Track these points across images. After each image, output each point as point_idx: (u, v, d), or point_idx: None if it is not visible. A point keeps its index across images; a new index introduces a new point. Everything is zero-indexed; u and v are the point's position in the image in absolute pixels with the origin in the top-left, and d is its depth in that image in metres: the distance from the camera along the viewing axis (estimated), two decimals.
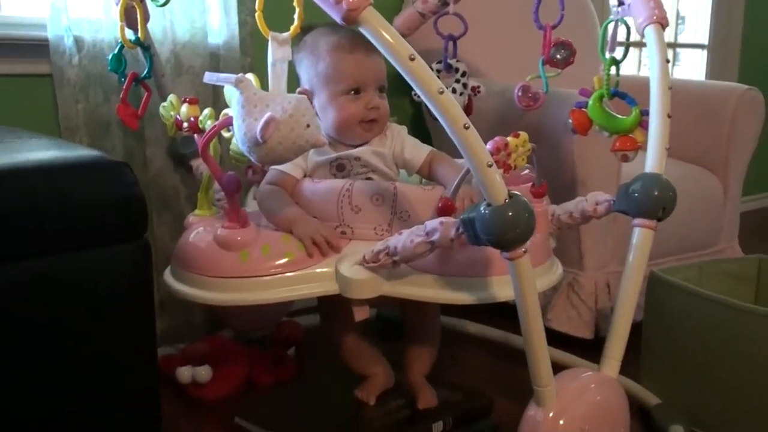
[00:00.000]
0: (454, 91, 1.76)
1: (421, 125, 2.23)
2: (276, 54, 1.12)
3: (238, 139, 1.13)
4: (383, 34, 1.04)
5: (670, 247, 2.06)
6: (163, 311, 1.82)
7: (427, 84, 1.04)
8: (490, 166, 1.06)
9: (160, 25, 1.72)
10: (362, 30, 1.05)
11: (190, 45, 1.80)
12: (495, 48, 2.24)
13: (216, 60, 1.86)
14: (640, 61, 3.37)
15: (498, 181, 1.07)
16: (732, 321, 1.47)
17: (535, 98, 1.69)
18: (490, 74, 2.19)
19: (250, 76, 1.15)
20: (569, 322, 1.93)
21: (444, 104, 1.04)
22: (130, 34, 1.53)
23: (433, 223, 1.17)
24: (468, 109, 1.79)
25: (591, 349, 1.81)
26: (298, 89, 1.40)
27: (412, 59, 1.03)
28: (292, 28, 1.12)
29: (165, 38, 1.75)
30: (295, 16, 1.11)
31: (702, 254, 2.17)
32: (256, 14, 1.11)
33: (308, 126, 1.11)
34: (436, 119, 1.11)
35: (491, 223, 1.07)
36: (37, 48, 1.66)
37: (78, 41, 1.67)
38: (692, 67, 3.63)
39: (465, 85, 1.78)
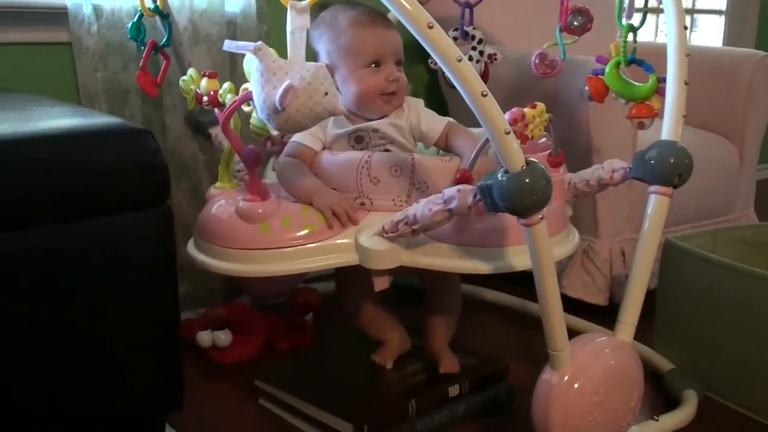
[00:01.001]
0: (470, 58, 1.76)
1: (437, 93, 2.23)
2: (295, 22, 1.13)
3: (257, 106, 1.14)
4: (402, 2, 1.04)
5: (685, 214, 2.07)
6: (182, 277, 1.84)
7: (445, 52, 1.04)
8: (508, 133, 1.07)
9: None
10: None
11: (207, 13, 1.80)
12: (511, 15, 2.23)
13: (233, 28, 1.87)
14: (657, 27, 3.34)
15: (515, 148, 1.08)
16: (745, 287, 1.48)
17: (552, 65, 1.69)
18: (507, 41, 2.18)
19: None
20: (584, 289, 1.94)
21: (462, 72, 1.05)
22: (149, 2, 1.54)
23: (450, 191, 1.18)
24: (484, 77, 1.79)
25: (605, 315, 1.83)
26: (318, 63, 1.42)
27: (431, 27, 1.04)
28: None
29: (183, 6, 1.75)
30: None
31: (717, 222, 2.17)
32: None
33: (326, 94, 1.12)
34: (452, 87, 1.12)
35: (508, 190, 1.08)
36: (56, 16, 1.68)
37: (97, 9, 1.68)
38: (710, 33, 3.59)
39: (481, 53, 1.77)
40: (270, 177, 1.55)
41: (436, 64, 1.22)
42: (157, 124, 1.80)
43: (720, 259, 1.53)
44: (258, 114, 1.15)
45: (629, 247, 1.95)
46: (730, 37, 3.50)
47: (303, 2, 1.13)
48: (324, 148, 1.43)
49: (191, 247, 1.40)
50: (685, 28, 1.35)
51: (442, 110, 1.86)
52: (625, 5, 1.50)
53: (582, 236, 1.93)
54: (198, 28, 1.79)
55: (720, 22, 3.53)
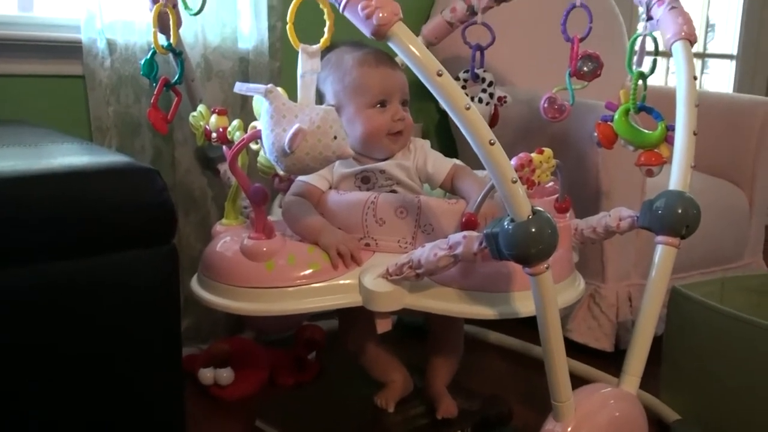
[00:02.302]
0: (480, 100, 1.77)
1: (447, 132, 2.24)
2: (305, 65, 1.14)
3: (266, 148, 1.14)
4: (411, 49, 1.05)
5: (694, 260, 2.06)
6: (186, 310, 1.83)
7: (454, 99, 1.05)
8: (515, 182, 1.07)
9: (191, 29, 1.74)
10: (391, 44, 1.06)
11: (220, 49, 1.82)
12: (522, 56, 2.24)
13: (245, 64, 1.88)
14: (668, 70, 3.35)
15: (522, 196, 1.08)
16: (752, 338, 1.47)
17: (561, 110, 1.69)
18: (517, 82, 2.20)
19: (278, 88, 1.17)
20: (590, 334, 1.93)
21: (470, 120, 1.05)
22: (162, 40, 1.55)
23: (456, 237, 1.18)
24: (494, 119, 1.80)
25: (611, 360, 1.82)
26: (325, 104, 1.42)
27: (440, 74, 1.04)
28: (322, 40, 1.13)
29: (196, 42, 1.77)
30: (326, 29, 1.12)
31: (726, 268, 2.16)
32: (287, 26, 1.13)
33: (335, 137, 1.12)
34: None
35: (514, 239, 1.08)
36: (71, 50, 1.70)
37: (111, 44, 1.70)
38: (721, 77, 3.60)
39: (491, 95, 1.78)
40: (277, 214, 1.55)
41: None
42: (167, 158, 1.81)
43: (727, 310, 1.52)
44: (267, 155, 1.15)
45: (636, 292, 1.94)
46: (741, 82, 3.50)
47: (314, 46, 1.14)
48: (330, 188, 1.43)
49: (195, 284, 1.40)
50: (695, 78, 1.35)
51: (452, 149, 1.87)
52: (636, 52, 1.50)
53: (589, 280, 1.92)
54: (211, 63, 1.81)
55: (731, 66, 3.54)
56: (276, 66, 1.91)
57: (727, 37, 3.54)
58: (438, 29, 1.93)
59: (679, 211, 1.27)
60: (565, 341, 1.18)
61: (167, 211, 1.15)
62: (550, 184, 1.52)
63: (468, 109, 1.04)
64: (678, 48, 1.38)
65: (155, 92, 1.52)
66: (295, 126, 1.09)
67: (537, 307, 1.14)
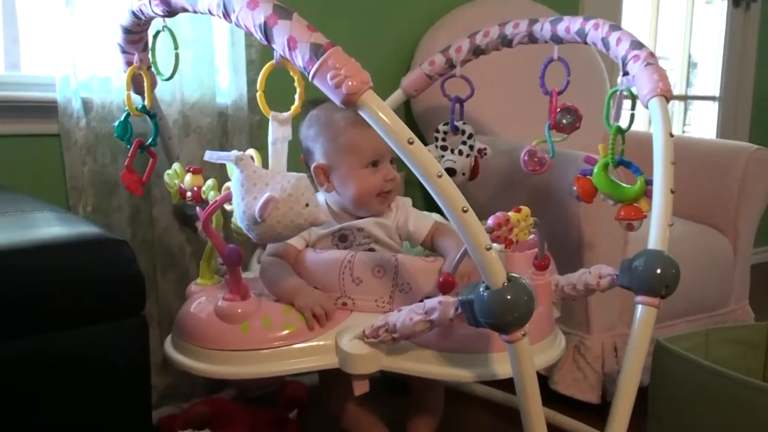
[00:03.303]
0: (460, 152, 1.77)
1: None
2: (276, 133, 1.13)
3: (237, 216, 1.13)
4: (382, 117, 1.04)
5: (678, 308, 2.04)
6: (165, 369, 1.81)
7: (425, 167, 1.04)
8: (489, 248, 1.05)
9: (168, 86, 1.73)
10: (362, 113, 1.06)
11: (198, 105, 1.81)
12: (501, 106, 2.24)
13: (224, 119, 1.87)
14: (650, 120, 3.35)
15: (497, 263, 1.06)
16: (736, 394, 1.45)
17: (541, 163, 1.69)
18: (497, 130, 2.20)
19: (250, 152, 1.16)
20: (575, 386, 1.90)
21: (443, 188, 1.04)
22: (137, 100, 1.54)
23: (432, 302, 1.17)
24: (474, 171, 1.80)
25: (597, 412, 1.79)
26: (314, 165, 1.42)
27: (411, 143, 1.03)
28: (292, 107, 1.13)
29: (174, 99, 1.76)
30: (296, 96, 1.12)
31: (712, 315, 2.15)
32: (258, 93, 1.13)
33: (307, 205, 1.11)
34: None
35: (489, 306, 1.06)
36: (46, 109, 1.68)
37: (86, 103, 1.69)
38: (704, 119, 3.60)
39: (471, 147, 1.78)
40: (255, 269, 1.53)
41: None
42: (145, 216, 1.79)
43: (709, 365, 1.50)
44: (238, 223, 1.14)
45: (622, 343, 1.91)
46: (724, 124, 3.51)
47: (285, 114, 1.13)
48: (307, 246, 1.42)
49: (169, 347, 1.37)
50: (671, 135, 1.34)
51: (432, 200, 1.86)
52: (613, 108, 1.50)
53: (573, 331, 1.91)
54: (189, 120, 1.80)
55: (714, 107, 3.55)
56: (256, 119, 1.90)
57: (709, 76, 3.56)
58: (417, 82, 1.93)
59: (658, 271, 1.26)
60: (551, 393, 1.16)
61: (137, 282, 1.13)
62: (531, 236, 1.51)
63: (440, 177, 1.03)
64: (654, 104, 1.38)
65: (129, 154, 1.51)
66: (266, 194, 1.08)
67: (514, 373, 1.13)
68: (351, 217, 1.45)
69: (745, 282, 2.28)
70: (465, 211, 1.04)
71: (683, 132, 3.59)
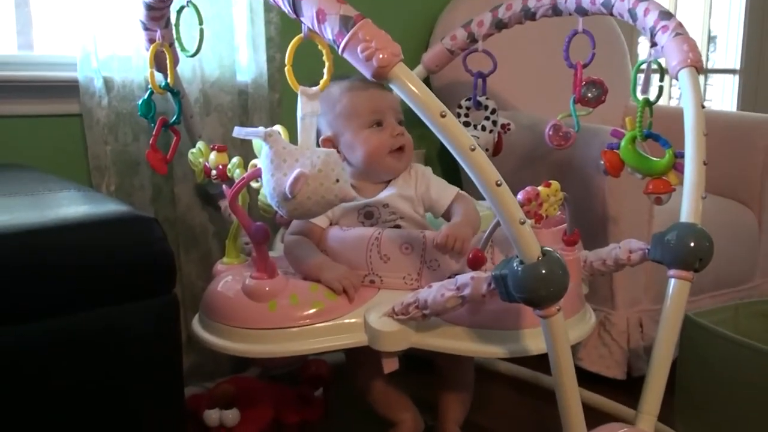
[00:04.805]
0: (483, 128, 1.75)
1: (449, 157, 2.20)
2: (305, 108, 1.11)
3: (266, 193, 1.12)
4: (414, 90, 1.02)
5: (705, 284, 2.02)
6: (190, 349, 1.81)
7: (458, 140, 1.02)
8: (523, 223, 1.04)
9: (189, 64, 1.71)
10: (392, 85, 1.04)
11: (218, 83, 1.80)
12: (524, 81, 2.21)
13: (244, 97, 1.85)
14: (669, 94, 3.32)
15: (531, 237, 1.05)
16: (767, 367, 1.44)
17: (566, 137, 1.67)
18: (520, 106, 2.17)
19: (278, 127, 1.15)
20: (601, 362, 1.89)
21: (476, 161, 1.02)
22: (160, 78, 1.53)
23: (464, 278, 1.15)
24: (498, 147, 1.78)
25: (623, 388, 1.78)
26: (320, 138, 1.40)
27: (443, 116, 1.02)
28: (321, 82, 1.11)
29: (194, 77, 1.74)
30: (325, 70, 1.10)
31: (737, 290, 2.13)
32: (286, 68, 1.11)
33: (337, 180, 1.10)
34: None
35: (524, 281, 1.05)
36: (68, 89, 1.67)
37: (107, 82, 1.68)
38: (724, 92, 3.56)
39: (495, 123, 1.76)
40: (279, 249, 1.53)
41: None
42: (167, 195, 1.78)
43: (741, 339, 1.49)
44: (267, 200, 1.13)
45: (647, 318, 1.90)
46: (744, 97, 3.46)
47: (314, 88, 1.11)
48: (331, 224, 1.41)
49: (196, 325, 1.37)
50: (703, 106, 1.32)
51: (455, 176, 1.84)
52: (641, 79, 1.48)
53: (598, 307, 1.89)
54: (209, 98, 1.78)
55: (734, 81, 3.50)
56: (276, 98, 1.88)
57: (729, 50, 3.51)
58: (438, 57, 1.91)
59: (692, 244, 1.24)
60: (577, 370, 1.15)
61: (167, 260, 1.12)
62: (558, 213, 1.49)
63: (473, 150, 1.02)
64: (684, 76, 1.36)
65: (154, 133, 1.50)
66: (296, 170, 1.07)
67: (549, 348, 1.11)
68: (369, 186, 1.43)
69: None
70: (499, 185, 1.02)
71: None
